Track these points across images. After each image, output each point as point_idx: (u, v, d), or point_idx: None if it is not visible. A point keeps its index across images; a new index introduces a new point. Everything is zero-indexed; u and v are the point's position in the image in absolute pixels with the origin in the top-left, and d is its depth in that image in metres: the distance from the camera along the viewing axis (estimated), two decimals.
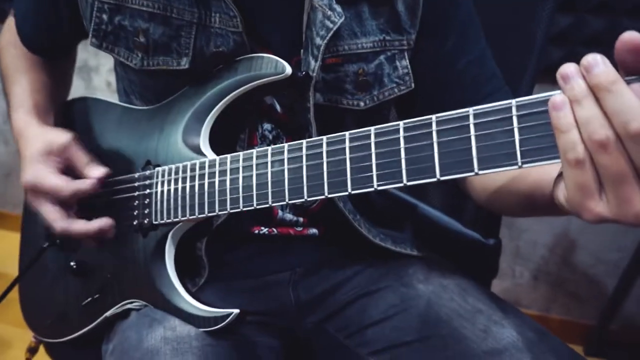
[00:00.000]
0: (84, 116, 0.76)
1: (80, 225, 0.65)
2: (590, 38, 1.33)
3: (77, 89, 0.85)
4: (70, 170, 0.66)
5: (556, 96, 0.37)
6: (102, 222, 0.66)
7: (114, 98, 0.77)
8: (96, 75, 1.80)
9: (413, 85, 0.67)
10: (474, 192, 0.70)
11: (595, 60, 0.36)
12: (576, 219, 0.42)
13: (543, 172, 0.51)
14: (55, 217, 0.64)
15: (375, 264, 0.74)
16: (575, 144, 0.36)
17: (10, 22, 0.79)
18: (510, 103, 0.41)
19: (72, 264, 0.71)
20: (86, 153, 0.67)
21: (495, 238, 0.85)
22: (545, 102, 0.39)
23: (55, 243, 0.73)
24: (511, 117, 0.41)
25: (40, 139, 0.67)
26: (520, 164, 0.41)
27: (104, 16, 0.65)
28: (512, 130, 0.41)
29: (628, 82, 0.35)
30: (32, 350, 0.82)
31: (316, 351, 0.73)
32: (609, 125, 0.35)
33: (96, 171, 0.65)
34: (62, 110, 0.79)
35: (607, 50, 1.40)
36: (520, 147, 0.41)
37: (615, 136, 0.35)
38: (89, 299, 0.71)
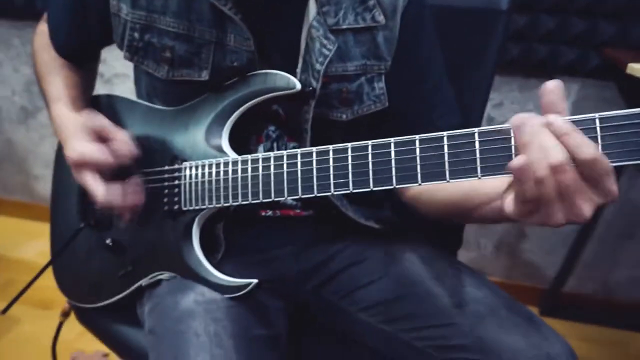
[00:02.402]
0: (111, 112, 0.85)
1: (118, 199, 0.74)
2: (544, 35, 1.49)
3: None
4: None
5: (515, 160, 0.49)
6: (135, 198, 0.77)
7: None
8: None
9: (387, 103, 0.80)
10: (420, 204, 0.83)
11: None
12: None
13: (492, 188, 0.65)
14: (97, 188, 0.73)
15: (361, 238, 0.89)
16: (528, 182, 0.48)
17: (43, 27, 0.88)
18: (473, 130, 0.56)
19: (107, 241, 0.84)
20: (113, 124, 0.77)
21: None
22: (499, 131, 0.54)
23: (90, 224, 0.85)
24: (474, 142, 0.56)
25: (78, 121, 0.78)
26: (479, 176, 0.56)
27: (135, 34, 0.76)
28: (475, 150, 0.56)
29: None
30: (65, 314, 0.95)
31: (315, 311, 0.89)
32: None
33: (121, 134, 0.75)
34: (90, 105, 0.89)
35: (558, 47, 1.61)
36: (480, 163, 0.56)
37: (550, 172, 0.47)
38: (123, 271, 0.84)
